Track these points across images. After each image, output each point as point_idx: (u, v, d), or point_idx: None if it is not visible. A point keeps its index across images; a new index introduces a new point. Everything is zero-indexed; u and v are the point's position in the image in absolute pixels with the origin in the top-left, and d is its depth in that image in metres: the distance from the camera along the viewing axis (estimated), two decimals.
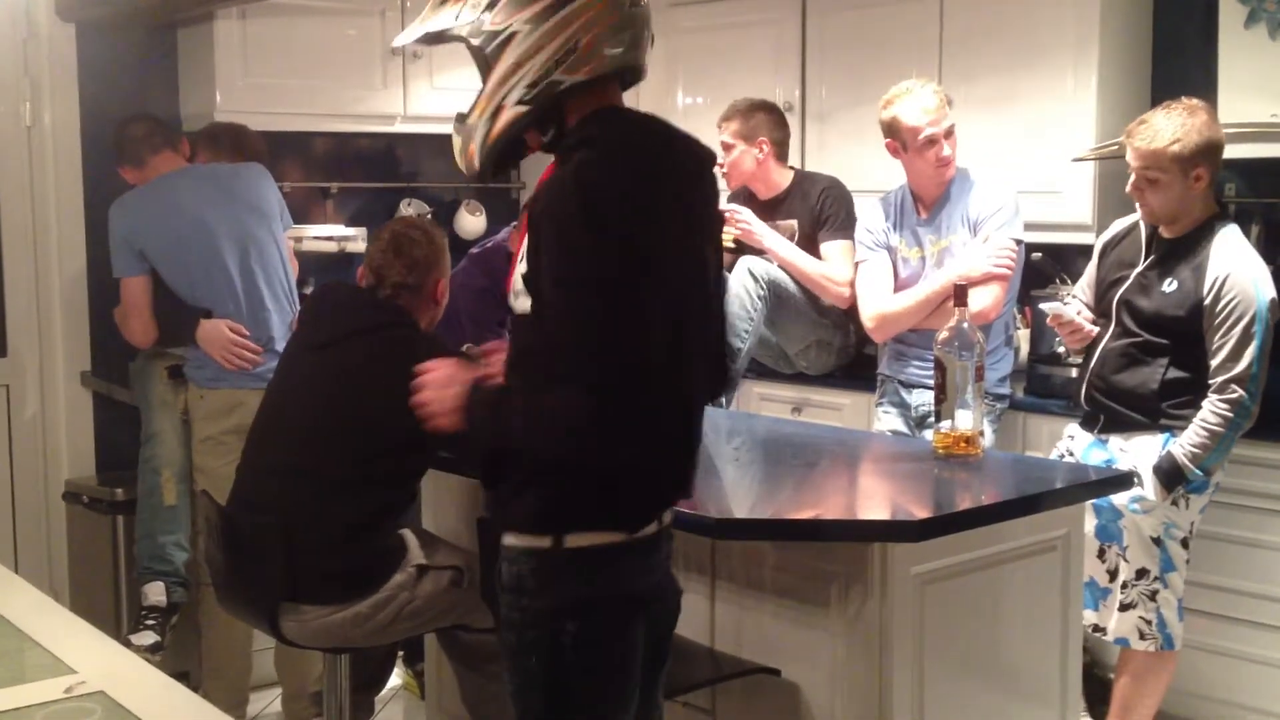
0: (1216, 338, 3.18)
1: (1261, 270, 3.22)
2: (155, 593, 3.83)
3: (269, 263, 3.94)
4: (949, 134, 3.72)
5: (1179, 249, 3.27)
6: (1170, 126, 3.19)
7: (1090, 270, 3.53)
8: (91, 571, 4.28)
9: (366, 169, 5.14)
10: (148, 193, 3.92)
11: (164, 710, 1.74)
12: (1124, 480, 2.92)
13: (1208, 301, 3.18)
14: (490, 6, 1.99)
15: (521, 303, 1.98)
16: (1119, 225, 3.50)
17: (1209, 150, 3.20)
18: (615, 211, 1.90)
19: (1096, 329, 3.42)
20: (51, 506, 4.45)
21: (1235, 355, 3.15)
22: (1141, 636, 3.27)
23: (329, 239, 4.63)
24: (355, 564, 2.79)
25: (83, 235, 4.43)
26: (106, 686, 1.79)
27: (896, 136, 3.75)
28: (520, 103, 1.99)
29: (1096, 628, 3.31)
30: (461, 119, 2.07)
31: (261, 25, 4.43)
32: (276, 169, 4.58)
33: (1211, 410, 3.17)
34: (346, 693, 3.05)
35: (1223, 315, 3.16)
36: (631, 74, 2.08)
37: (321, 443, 2.83)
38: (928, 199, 3.83)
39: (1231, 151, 3.36)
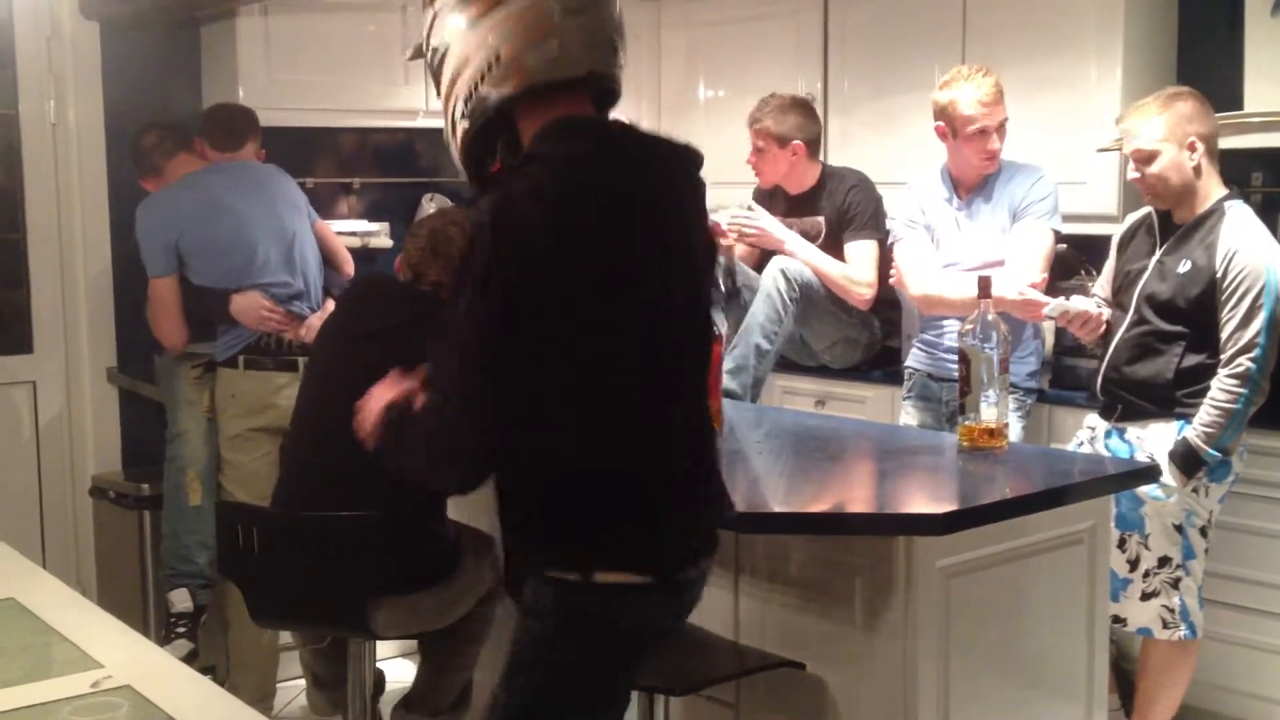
0: (1226, 311, 3.19)
1: (1272, 246, 3.24)
2: (181, 600, 3.85)
3: (308, 255, 3.96)
4: (1001, 128, 3.69)
5: (1191, 232, 3.29)
6: (1158, 101, 3.30)
7: (1109, 267, 3.54)
8: (118, 567, 4.31)
9: (388, 164, 5.15)
10: (177, 190, 3.93)
11: (190, 705, 1.74)
12: (1150, 473, 2.92)
13: (1219, 274, 3.20)
14: (430, 24, 1.98)
15: None
16: (1133, 218, 3.51)
17: (1199, 118, 3.26)
18: (527, 240, 1.83)
19: (1105, 312, 3.43)
20: (78, 502, 4.47)
21: (1243, 325, 3.16)
22: (1165, 626, 3.26)
23: (352, 234, 4.64)
24: (436, 549, 2.83)
25: (108, 232, 4.45)
26: (133, 681, 1.80)
27: (948, 121, 3.71)
28: (464, 117, 1.95)
29: (1117, 619, 3.29)
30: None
31: (284, 21, 4.43)
32: (299, 164, 4.59)
33: (1220, 387, 3.18)
34: (370, 685, 3.06)
35: (1232, 287, 3.18)
36: (601, 83, 2.00)
37: None
38: (967, 184, 3.81)
39: (1258, 140, 3.36)
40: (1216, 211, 3.26)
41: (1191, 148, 3.24)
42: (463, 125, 1.96)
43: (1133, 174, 3.34)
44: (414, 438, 2.02)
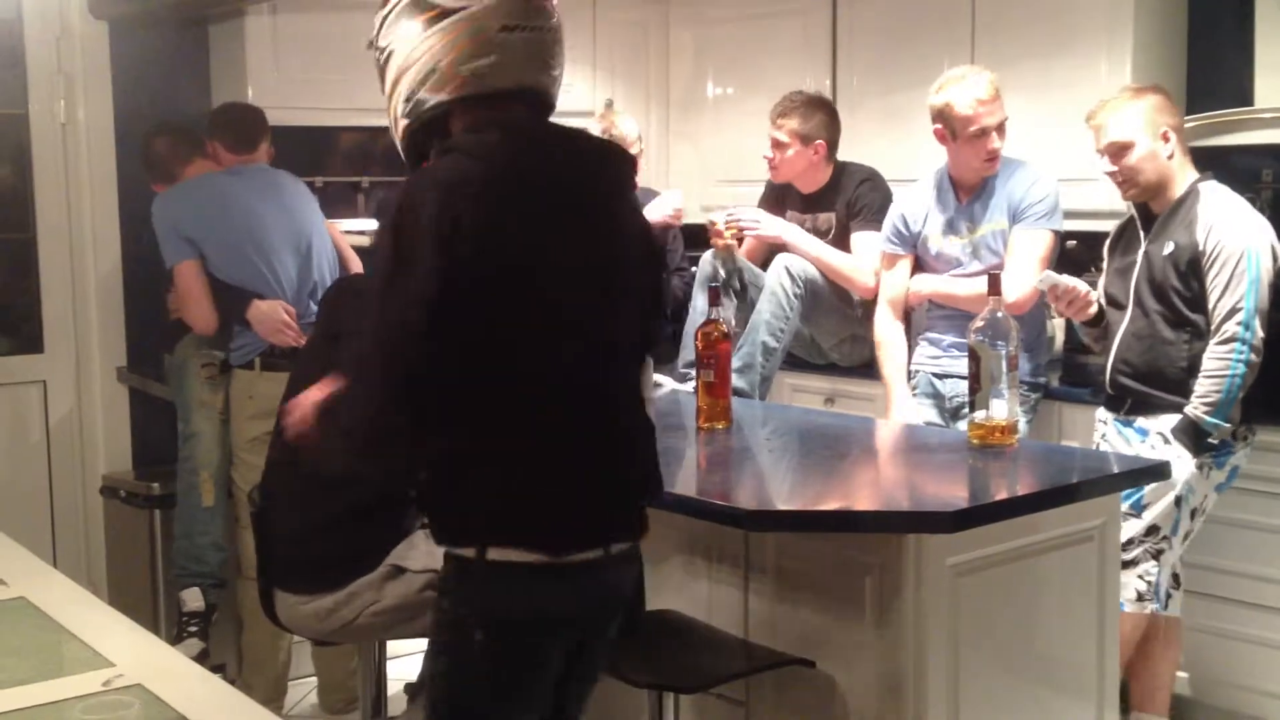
0: (1210, 281, 3.24)
1: (1251, 215, 3.28)
2: (193, 599, 3.87)
3: (323, 255, 3.98)
4: (1000, 127, 3.68)
5: (1171, 216, 3.34)
6: (1126, 95, 3.39)
7: (1104, 275, 3.57)
8: (129, 566, 4.32)
9: (398, 163, 5.11)
10: (194, 186, 3.94)
11: (202, 704, 1.74)
12: (1161, 470, 2.90)
13: (1201, 247, 3.24)
14: (381, 24, 2.11)
15: None
16: (1116, 225, 3.56)
17: (1168, 110, 3.35)
18: (421, 221, 1.91)
19: (1095, 292, 3.46)
20: (89, 501, 4.48)
21: (1227, 293, 3.21)
22: (1140, 598, 3.25)
23: (361, 233, 4.65)
24: (324, 556, 2.77)
25: (117, 231, 4.46)
26: (144, 680, 1.81)
27: (946, 124, 3.69)
28: (404, 116, 2.10)
29: None
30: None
31: (292, 20, 4.43)
32: (308, 164, 4.60)
33: (1211, 355, 3.22)
34: (379, 683, 3.06)
35: (1214, 257, 3.23)
36: (534, 95, 2.10)
37: None
38: (968, 185, 3.80)
39: (1269, 136, 3.38)
40: (1192, 193, 3.32)
41: (1165, 138, 3.31)
42: (403, 123, 2.12)
43: (1107, 168, 3.38)
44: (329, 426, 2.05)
